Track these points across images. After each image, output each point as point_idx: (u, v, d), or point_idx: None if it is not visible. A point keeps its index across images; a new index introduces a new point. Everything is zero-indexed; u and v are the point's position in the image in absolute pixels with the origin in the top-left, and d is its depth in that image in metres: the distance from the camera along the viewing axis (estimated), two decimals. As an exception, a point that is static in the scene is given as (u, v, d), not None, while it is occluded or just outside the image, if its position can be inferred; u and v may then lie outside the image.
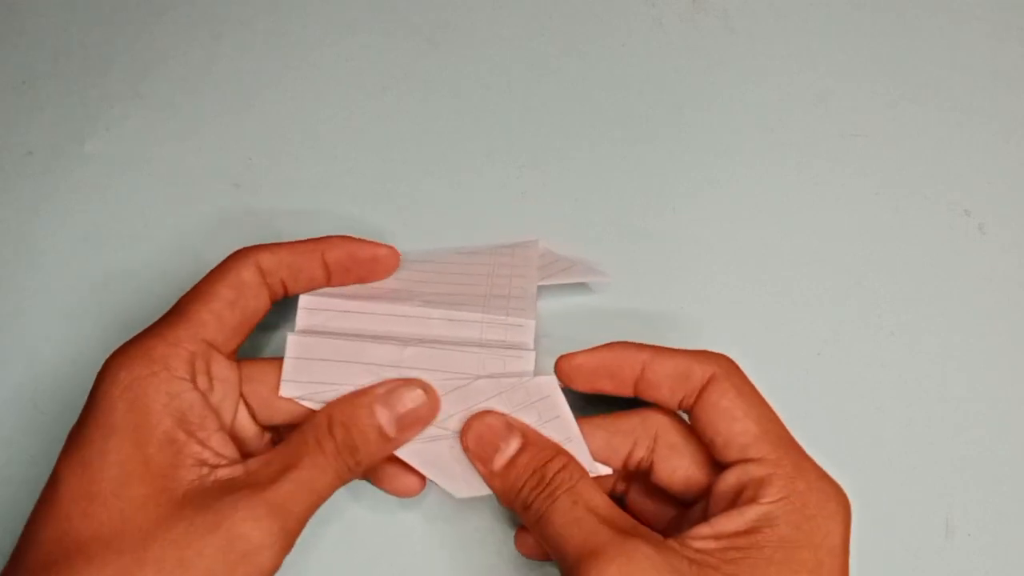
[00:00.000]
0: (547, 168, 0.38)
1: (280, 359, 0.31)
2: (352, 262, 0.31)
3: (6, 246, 0.36)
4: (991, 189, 0.37)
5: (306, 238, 0.31)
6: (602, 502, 0.27)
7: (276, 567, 0.26)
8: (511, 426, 0.29)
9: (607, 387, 0.30)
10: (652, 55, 0.39)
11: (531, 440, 0.29)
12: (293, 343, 0.30)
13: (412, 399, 0.29)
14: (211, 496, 0.26)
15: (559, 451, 0.29)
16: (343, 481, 0.28)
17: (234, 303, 0.29)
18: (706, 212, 0.37)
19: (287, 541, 0.26)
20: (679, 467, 0.29)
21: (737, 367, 0.29)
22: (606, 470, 0.29)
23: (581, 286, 0.35)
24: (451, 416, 0.30)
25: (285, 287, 0.31)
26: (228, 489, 0.26)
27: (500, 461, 0.28)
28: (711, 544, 0.26)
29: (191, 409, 0.27)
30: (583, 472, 0.28)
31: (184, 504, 0.26)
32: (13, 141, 0.38)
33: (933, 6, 0.40)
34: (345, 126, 0.38)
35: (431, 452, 0.30)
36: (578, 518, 0.26)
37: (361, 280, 0.32)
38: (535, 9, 0.40)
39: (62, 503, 0.26)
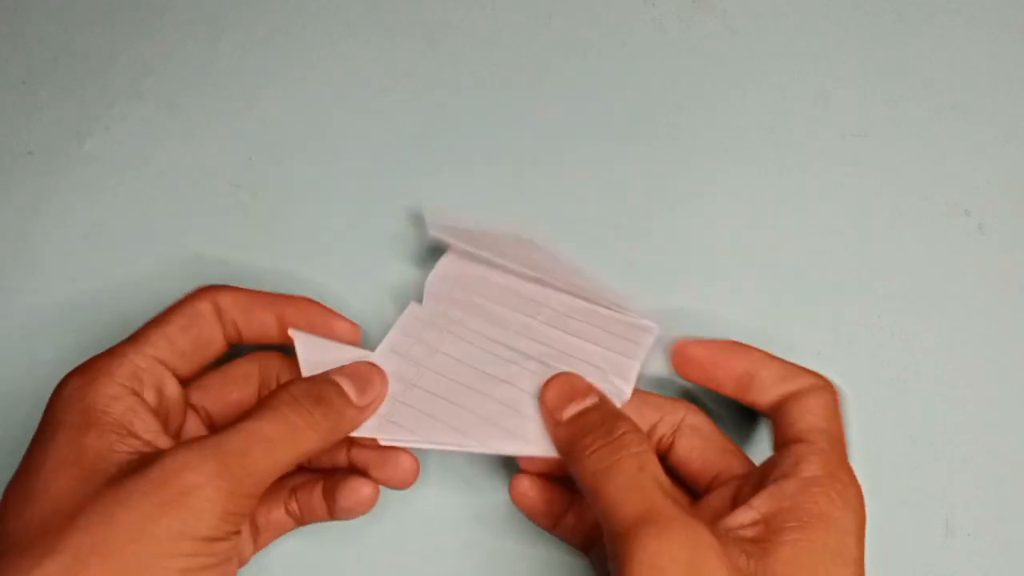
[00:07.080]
0: (547, 168, 0.38)
1: (230, 366, 0.31)
2: (309, 328, 0.31)
3: (6, 246, 0.36)
4: (991, 189, 0.37)
5: (273, 292, 0.31)
6: (665, 477, 0.27)
7: (219, 514, 0.25)
8: (592, 388, 0.30)
9: (713, 381, 0.30)
10: (652, 55, 0.39)
11: (606, 403, 0.29)
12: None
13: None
14: (147, 461, 0.25)
15: (629, 419, 0.29)
16: (308, 442, 0.27)
17: (186, 328, 0.29)
18: (706, 212, 0.37)
19: (233, 487, 0.25)
20: (697, 447, 0.30)
21: (837, 392, 0.29)
22: (628, 390, 0.30)
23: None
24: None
25: (238, 330, 0.30)
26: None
27: (572, 411, 0.29)
28: (756, 530, 0.26)
29: (133, 410, 0.27)
30: (649, 443, 0.28)
31: (117, 475, 0.25)
32: (13, 141, 0.38)
33: (933, 7, 0.40)
34: (345, 126, 0.38)
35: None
36: (642, 485, 0.26)
37: None
38: (535, 9, 0.40)
39: (1, 515, 0.25)
